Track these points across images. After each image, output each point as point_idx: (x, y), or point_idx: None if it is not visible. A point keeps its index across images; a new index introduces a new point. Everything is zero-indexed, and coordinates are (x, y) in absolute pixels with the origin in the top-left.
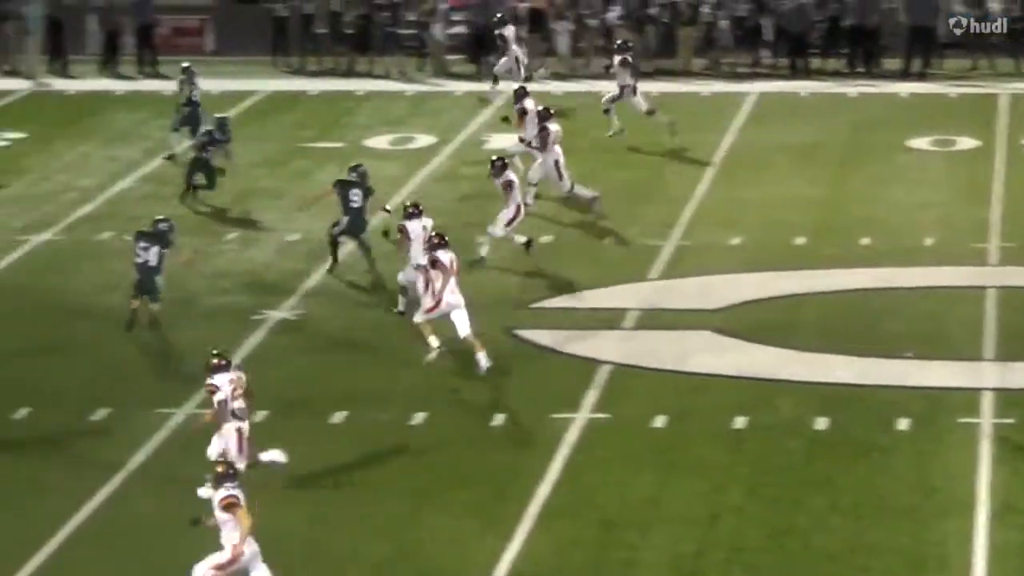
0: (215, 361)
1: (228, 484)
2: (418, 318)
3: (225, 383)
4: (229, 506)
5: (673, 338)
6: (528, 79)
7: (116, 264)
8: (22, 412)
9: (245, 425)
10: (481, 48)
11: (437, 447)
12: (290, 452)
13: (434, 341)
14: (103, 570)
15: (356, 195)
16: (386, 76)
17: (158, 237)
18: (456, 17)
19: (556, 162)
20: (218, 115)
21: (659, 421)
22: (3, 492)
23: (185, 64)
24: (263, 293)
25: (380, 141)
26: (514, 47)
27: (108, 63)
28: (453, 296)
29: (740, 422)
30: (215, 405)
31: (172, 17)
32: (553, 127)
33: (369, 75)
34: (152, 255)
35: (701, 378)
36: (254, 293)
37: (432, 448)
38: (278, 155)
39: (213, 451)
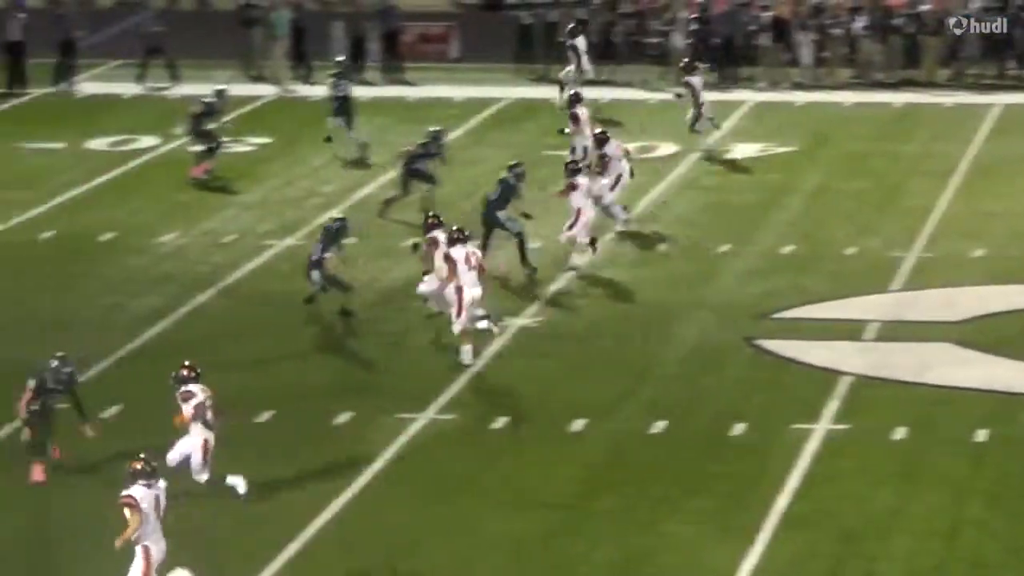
0: (185, 372)
1: (142, 482)
2: (456, 328)
3: (199, 391)
4: (125, 505)
5: (914, 350)
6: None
7: (360, 269)
8: (266, 415)
9: (212, 437)
10: (727, 57)
11: (676, 455)
12: (532, 458)
13: (467, 355)
14: (340, 574)
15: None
16: (629, 84)
17: (328, 233)
18: (695, 27)
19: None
20: (432, 128)
21: (899, 433)
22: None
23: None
24: (506, 299)
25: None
26: (584, 59)
27: (353, 69)
28: (474, 289)
29: (981, 435)
30: (191, 409)
31: (417, 24)
32: (611, 149)
33: (613, 83)
34: (316, 249)
35: (942, 390)
36: (497, 299)
37: (671, 456)
38: (525, 162)
39: (174, 457)
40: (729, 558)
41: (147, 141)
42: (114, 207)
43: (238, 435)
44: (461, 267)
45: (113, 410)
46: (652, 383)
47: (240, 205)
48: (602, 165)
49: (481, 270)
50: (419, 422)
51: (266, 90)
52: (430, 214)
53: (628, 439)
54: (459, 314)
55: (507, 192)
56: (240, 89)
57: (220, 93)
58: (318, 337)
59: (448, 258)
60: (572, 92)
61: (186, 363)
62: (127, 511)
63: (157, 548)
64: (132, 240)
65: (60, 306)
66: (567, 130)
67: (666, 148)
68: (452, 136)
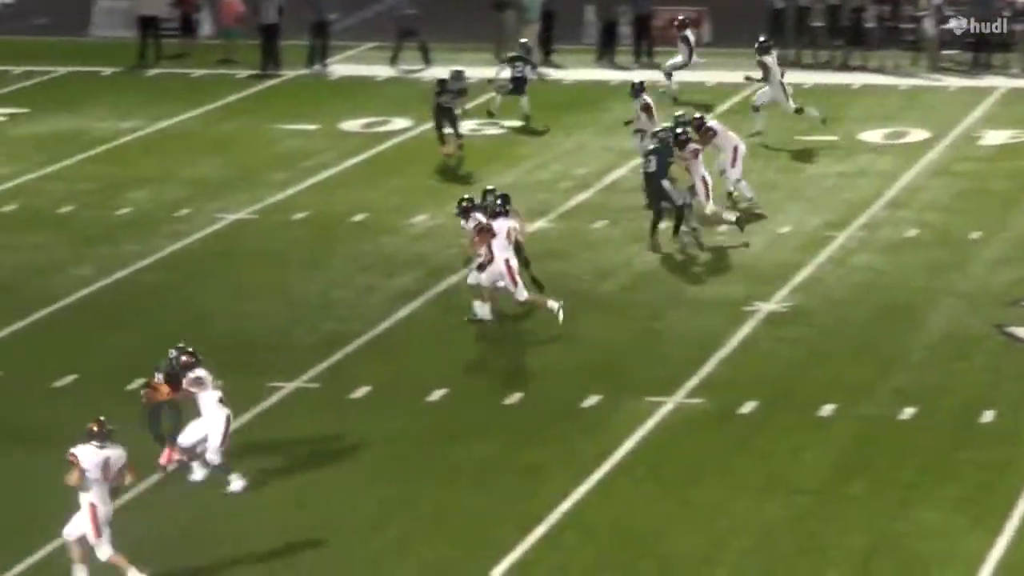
0: (187, 359)
1: (95, 443)
2: (521, 297)
3: (206, 374)
4: (69, 461)
5: None
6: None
7: (610, 252)
8: (515, 396)
9: (230, 416)
10: (980, 43)
11: (925, 441)
12: (781, 443)
13: (552, 303)
14: (588, 557)
15: (650, 161)
16: (881, 70)
17: (661, 148)
18: (949, 12)
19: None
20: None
21: None
22: (494, 476)
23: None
24: (754, 284)
25: (874, 135)
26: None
27: (604, 53)
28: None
29: None
30: (198, 390)
31: (669, 8)
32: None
33: (864, 68)
34: (653, 164)
35: None
36: (745, 284)
37: (920, 442)
38: (772, 148)
39: (191, 437)
40: (980, 546)
41: (399, 123)
42: (366, 188)
43: (487, 416)
44: (501, 241)
45: (363, 391)
46: (901, 369)
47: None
48: (705, 141)
49: (519, 248)
50: (667, 406)
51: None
52: (464, 197)
53: (877, 424)
54: (515, 283)
55: (663, 160)
56: (493, 72)
57: (458, 75)
58: (569, 319)
59: (487, 230)
60: (637, 81)
61: (188, 349)
62: (70, 467)
63: (104, 508)
64: (384, 221)
65: (314, 286)
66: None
67: (917, 134)
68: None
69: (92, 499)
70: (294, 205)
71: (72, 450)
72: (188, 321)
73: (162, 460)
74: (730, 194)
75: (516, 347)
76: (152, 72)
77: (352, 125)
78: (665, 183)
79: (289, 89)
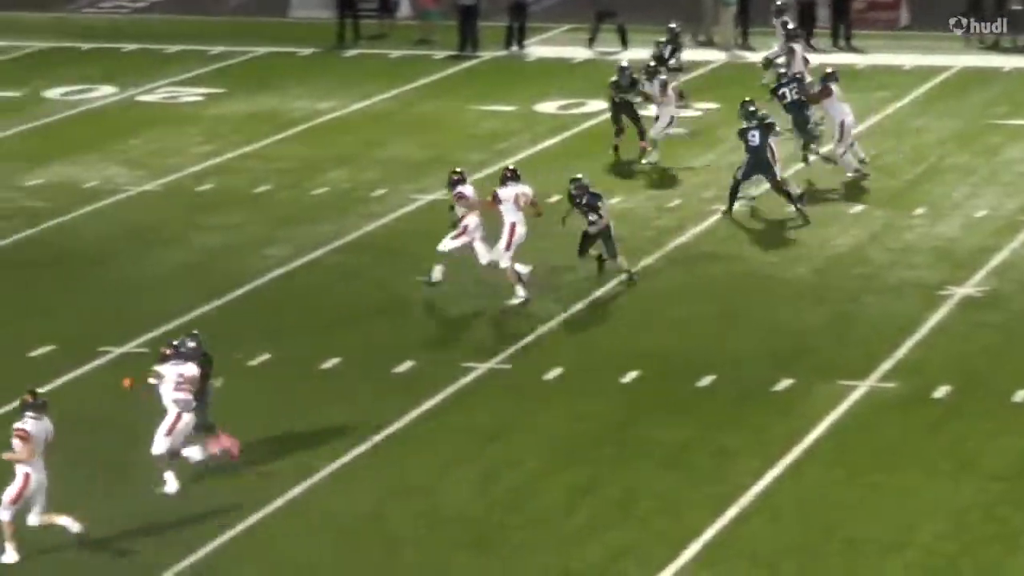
0: (168, 351)
1: (28, 414)
2: (505, 263)
3: (172, 372)
4: (17, 437)
5: None
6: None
7: (805, 236)
8: (707, 379)
9: (188, 417)
10: None
11: None
12: (975, 428)
13: (521, 292)
14: (777, 541)
15: (753, 135)
16: None
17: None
18: None
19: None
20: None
21: None
22: (686, 458)
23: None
24: (949, 268)
25: None
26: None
27: (803, 36)
28: (522, 227)
29: None
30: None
31: None
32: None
33: None
34: (756, 137)
35: None
36: (940, 268)
37: None
38: (968, 131)
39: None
40: None
41: (595, 106)
42: (561, 170)
43: (679, 399)
44: (509, 206)
45: (555, 372)
46: None
47: (686, 170)
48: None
49: (536, 209)
50: (860, 390)
51: (715, 56)
52: (456, 170)
53: None
54: (508, 247)
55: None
56: (690, 55)
57: (622, 70)
58: (760, 301)
59: (495, 197)
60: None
61: (174, 343)
62: (18, 442)
63: (37, 477)
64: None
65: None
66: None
67: None
68: (898, 105)
69: (28, 469)
70: (489, 186)
71: (19, 425)
72: (381, 301)
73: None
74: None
75: (709, 330)
76: (350, 53)
77: (548, 107)
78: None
79: (486, 70)
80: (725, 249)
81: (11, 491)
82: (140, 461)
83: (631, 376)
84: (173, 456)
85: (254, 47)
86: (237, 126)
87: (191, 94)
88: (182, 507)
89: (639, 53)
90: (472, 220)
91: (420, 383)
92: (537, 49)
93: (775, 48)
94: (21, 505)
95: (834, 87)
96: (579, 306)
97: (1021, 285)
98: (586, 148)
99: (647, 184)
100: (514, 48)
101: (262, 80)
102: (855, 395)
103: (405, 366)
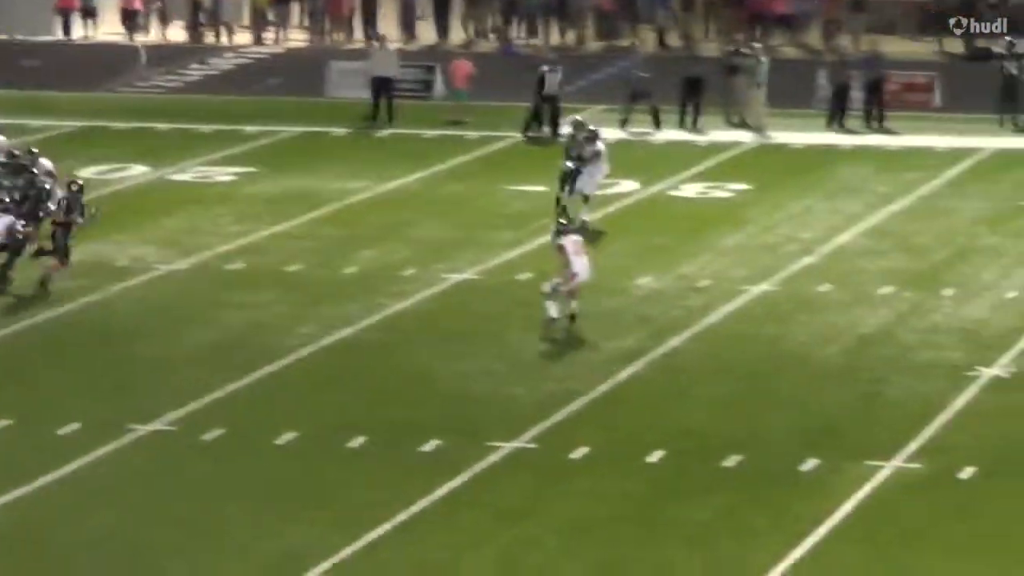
0: None
1: None
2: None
3: None
4: None
5: None
6: None
7: (834, 316)
8: (733, 459)
9: None
10: None
11: None
12: (1001, 509)
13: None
14: None
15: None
16: None
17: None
18: None
19: None
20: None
21: None
22: (710, 538)
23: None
24: (977, 349)
25: None
26: None
27: (836, 117)
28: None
29: None
30: None
31: (902, 72)
32: None
33: None
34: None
35: None
36: (968, 349)
37: None
38: (1001, 212)
39: None
40: None
41: (627, 186)
42: (592, 249)
43: (704, 479)
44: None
45: (581, 451)
46: None
47: (717, 250)
48: None
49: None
50: (886, 470)
51: (746, 137)
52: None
53: None
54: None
55: None
56: (721, 135)
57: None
58: (787, 382)
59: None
60: None
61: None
62: None
63: None
64: (609, 282)
65: (535, 347)
66: None
67: None
68: (930, 185)
69: None
70: (519, 266)
71: None
72: (409, 379)
73: None
74: None
75: (736, 409)
76: (383, 132)
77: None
78: None
79: (518, 151)
80: (754, 329)
81: None
82: (164, 541)
83: (657, 455)
84: None
85: (288, 126)
86: (269, 205)
87: (223, 173)
88: None
89: (673, 135)
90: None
91: (445, 462)
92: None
93: None
94: None
95: None
96: (606, 386)
97: None
98: (619, 227)
99: (676, 264)
100: (544, 131)
101: (295, 160)
102: (881, 476)
103: (431, 445)
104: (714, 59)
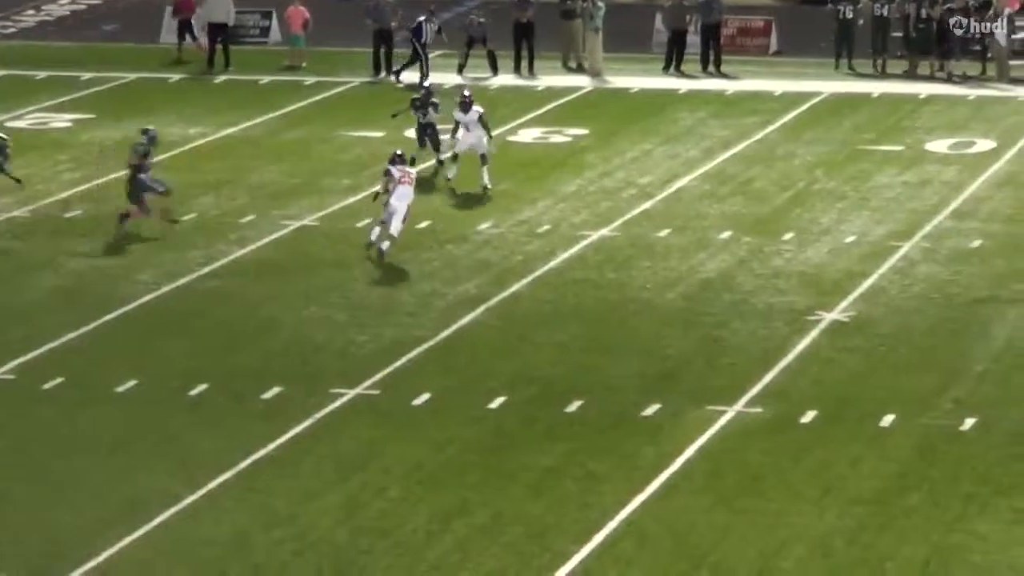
0: None
1: None
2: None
3: None
4: None
5: None
6: None
7: (674, 261)
8: (575, 404)
9: None
10: None
11: (986, 453)
12: (840, 452)
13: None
14: (644, 567)
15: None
16: (949, 80)
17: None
18: (1021, 22)
19: None
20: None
21: None
22: (553, 483)
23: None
24: (817, 294)
25: (940, 145)
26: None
27: (673, 62)
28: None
29: None
30: None
31: (739, 17)
32: None
33: (932, 78)
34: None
35: None
36: (808, 294)
37: (981, 454)
38: (838, 156)
39: None
40: None
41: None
42: (432, 195)
43: (547, 424)
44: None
45: (423, 398)
46: (963, 380)
47: (556, 195)
48: None
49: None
50: (727, 415)
51: (584, 81)
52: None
53: (938, 435)
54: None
55: None
56: (559, 80)
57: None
58: (629, 327)
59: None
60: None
61: None
62: None
63: None
64: (449, 228)
65: (377, 293)
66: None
67: (984, 144)
68: (769, 129)
69: None
70: (358, 212)
71: None
72: (250, 327)
73: None
74: None
75: (577, 355)
76: (220, 79)
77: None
78: None
79: (354, 97)
80: (595, 275)
81: None
82: (5, 491)
83: (499, 401)
84: None
85: (124, 73)
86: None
87: (60, 120)
88: (33, 532)
89: (509, 79)
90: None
91: (287, 409)
92: (408, 75)
93: None
94: None
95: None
96: (448, 331)
97: (888, 310)
98: (459, 173)
99: (516, 210)
100: (383, 75)
101: (132, 106)
102: (723, 420)
103: (272, 392)
104: (552, 3)
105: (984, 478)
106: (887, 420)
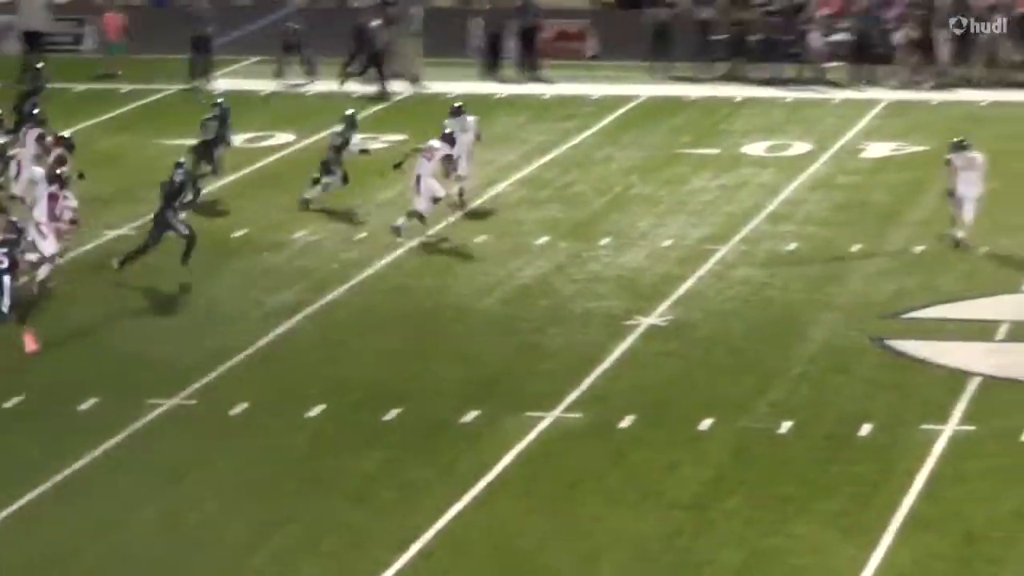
0: None
1: None
2: None
3: None
4: None
5: None
6: None
7: (492, 267)
8: (394, 412)
9: None
10: (862, 55)
11: (803, 455)
12: (658, 457)
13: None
14: (464, 573)
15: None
16: (765, 82)
17: None
18: (834, 25)
19: None
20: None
21: None
22: (372, 491)
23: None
24: (635, 298)
25: (757, 148)
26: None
27: (490, 66)
28: None
29: None
30: None
31: (556, 21)
32: None
33: (749, 81)
34: None
35: None
36: (626, 298)
37: (797, 456)
38: (654, 161)
39: None
40: (854, 559)
41: (282, 138)
42: (249, 203)
43: (366, 432)
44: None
45: (241, 407)
46: (780, 383)
47: (374, 202)
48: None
49: None
50: (546, 421)
51: (401, 87)
52: None
53: (755, 439)
54: None
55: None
56: (376, 86)
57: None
58: (447, 334)
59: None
60: None
61: None
62: None
63: None
64: (267, 236)
65: (194, 302)
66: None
67: (799, 147)
68: (587, 134)
69: None
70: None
71: None
72: (67, 337)
73: None
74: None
75: (396, 362)
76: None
77: (235, 140)
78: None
79: (171, 104)
80: (413, 281)
81: None
82: None
83: (317, 409)
84: None
85: None
86: None
87: None
88: None
89: (326, 86)
90: None
91: (104, 421)
92: (223, 82)
93: None
94: None
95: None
96: (265, 340)
97: (705, 314)
98: (275, 181)
99: (333, 217)
100: (199, 81)
101: None
102: (542, 426)
103: (89, 404)
104: (367, 10)
105: (801, 480)
106: (705, 424)
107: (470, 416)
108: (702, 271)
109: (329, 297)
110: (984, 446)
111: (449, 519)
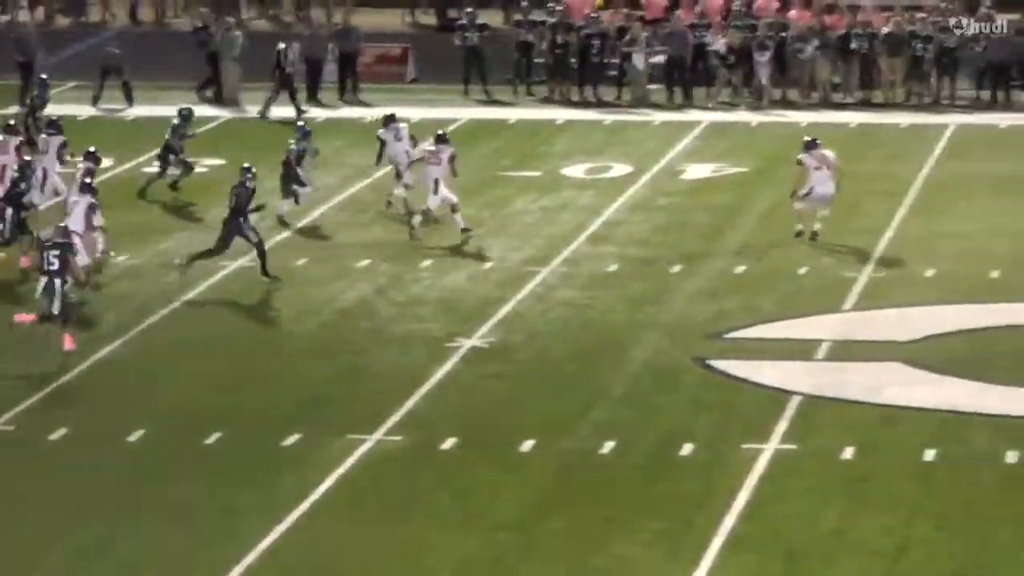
0: None
1: None
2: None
3: None
4: None
5: (864, 369)
6: None
7: (313, 290)
8: (215, 436)
9: None
10: (681, 77)
11: (625, 475)
12: (481, 478)
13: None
14: None
15: None
16: (585, 104)
17: None
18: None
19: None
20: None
21: (848, 453)
22: (193, 516)
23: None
24: (456, 320)
25: (577, 170)
26: None
27: (309, 91)
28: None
29: (930, 455)
30: None
31: (375, 45)
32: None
33: (569, 103)
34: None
35: (891, 410)
36: (448, 320)
37: (620, 476)
38: (476, 183)
39: None
40: None
41: (105, 162)
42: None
43: (186, 457)
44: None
45: (59, 433)
46: (602, 403)
47: (197, 226)
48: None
49: None
50: (368, 443)
51: (220, 112)
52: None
53: (578, 459)
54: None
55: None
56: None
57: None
58: (270, 357)
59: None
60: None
61: None
62: None
63: None
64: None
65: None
66: None
67: (620, 169)
68: None
69: None
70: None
71: None
72: None
73: None
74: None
75: (217, 386)
76: None
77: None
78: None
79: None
80: (234, 305)
81: None
82: None
83: (137, 434)
84: None
85: None
86: None
87: None
88: None
89: (145, 110)
90: None
91: None
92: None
93: None
94: None
95: None
96: (85, 365)
97: (527, 336)
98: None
99: (152, 241)
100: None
101: None
102: (363, 448)
103: None
104: (186, 34)
105: (623, 501)
106: (527, 445)
107: (292, 439)
108: (523, 293)
109: (150, 320)
110: (804, 464)
111: (271, 543)
